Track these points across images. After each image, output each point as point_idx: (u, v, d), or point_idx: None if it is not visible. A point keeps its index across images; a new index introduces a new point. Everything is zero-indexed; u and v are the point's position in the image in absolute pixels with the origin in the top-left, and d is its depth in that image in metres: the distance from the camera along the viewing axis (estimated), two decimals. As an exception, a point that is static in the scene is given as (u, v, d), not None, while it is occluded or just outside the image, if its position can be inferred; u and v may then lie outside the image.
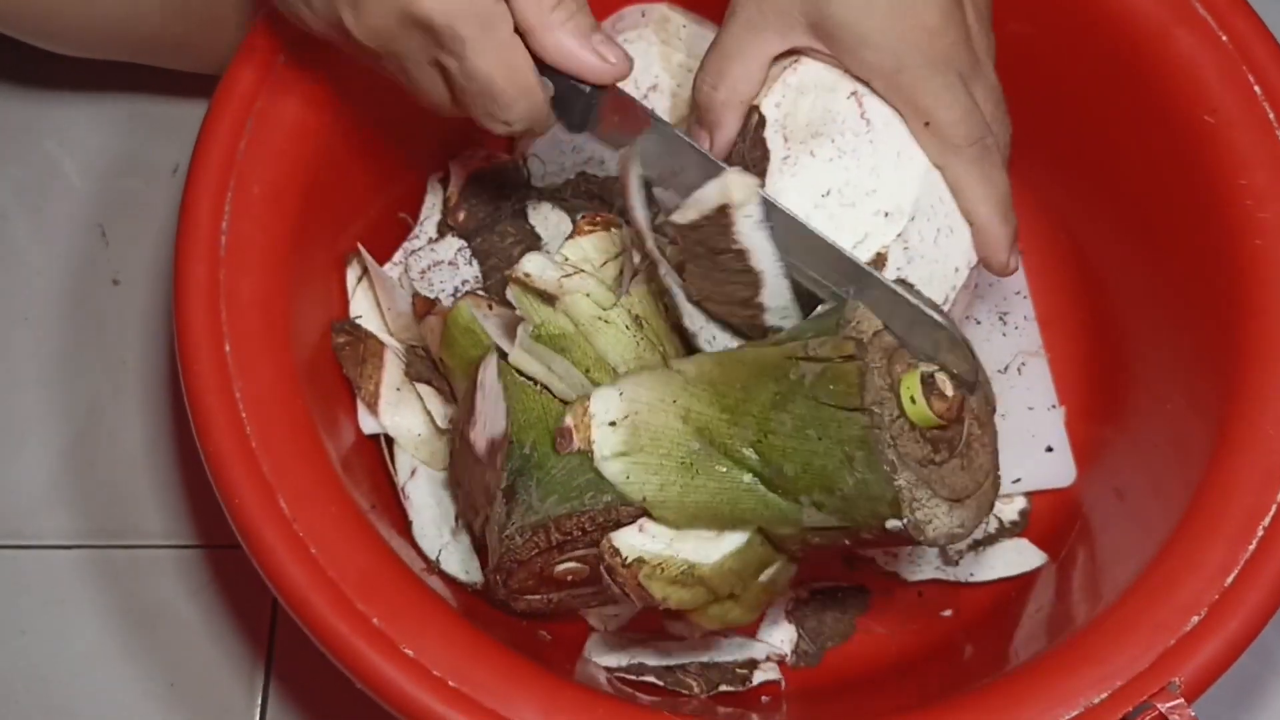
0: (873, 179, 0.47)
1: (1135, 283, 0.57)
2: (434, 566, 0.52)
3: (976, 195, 0.47)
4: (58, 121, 0.69)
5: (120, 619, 0.60)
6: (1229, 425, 0.48)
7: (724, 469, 0.45)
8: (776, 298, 0.47)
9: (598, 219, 0.51)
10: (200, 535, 0.62)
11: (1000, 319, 0.60)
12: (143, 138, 0.68)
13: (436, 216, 0.58)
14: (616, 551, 0.44)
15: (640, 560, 0.44)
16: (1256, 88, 0.51)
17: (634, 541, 0.44)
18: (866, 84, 0.47)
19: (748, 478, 0.44)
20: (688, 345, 0.50)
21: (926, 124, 0.46)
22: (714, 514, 0.45)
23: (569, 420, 0.45)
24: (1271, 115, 0.51)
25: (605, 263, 0.50)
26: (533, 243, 0.57)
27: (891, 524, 0.44)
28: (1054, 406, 0.58)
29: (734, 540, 0.45)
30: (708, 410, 0.45)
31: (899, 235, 0.47)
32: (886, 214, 0.47)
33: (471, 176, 0.58)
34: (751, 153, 0.48)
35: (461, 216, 0.57)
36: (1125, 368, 0.57)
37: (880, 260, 0.47)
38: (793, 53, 0.48)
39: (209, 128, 0.50)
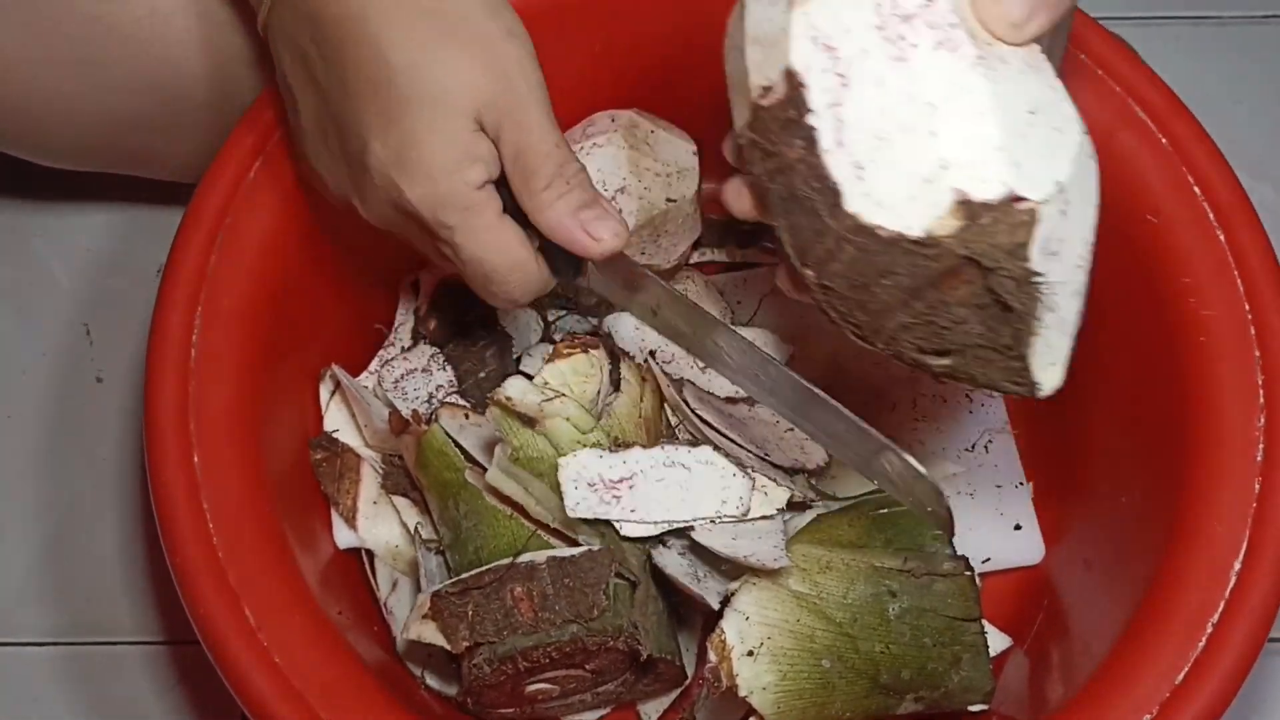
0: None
1: (1093, 370, 0.58)
2: (421, 683, 0.52)
3: None
4: (46, 223, 0.70)
5: (93, 717, 0.60)
6: (1178, 522, 0.48)
7: (851, 683, 0.47)
8: None
9: (576, 341, 0.51)
10: (172, 632, 0.62)
11: (967, 396, 0.60)
12: (128, 239, 0.70)
13: (410, 323, 0.59)
14: None
15: None
16: (1196, 189, 0.52)
17: None
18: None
19: (867, 685, 0.47)
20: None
21: None
22: (832, 718, 0.48)
23: (712, 657, 0.46)
24: (1211, 216, 0.52)
25: (584, 384, 0.51)
26: (504, 344, 0.57)
27: (978, 708, 0.49)
28: (1021, 484, 0.59)
29: None
30: (828, 627, 0.47)
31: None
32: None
33: (439, 285, 0.58)
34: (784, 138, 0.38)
35: (432, 325, 0.58)
36: (1089, 448, 0.58)
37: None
38: None
39: (180, 242, 0.51)
